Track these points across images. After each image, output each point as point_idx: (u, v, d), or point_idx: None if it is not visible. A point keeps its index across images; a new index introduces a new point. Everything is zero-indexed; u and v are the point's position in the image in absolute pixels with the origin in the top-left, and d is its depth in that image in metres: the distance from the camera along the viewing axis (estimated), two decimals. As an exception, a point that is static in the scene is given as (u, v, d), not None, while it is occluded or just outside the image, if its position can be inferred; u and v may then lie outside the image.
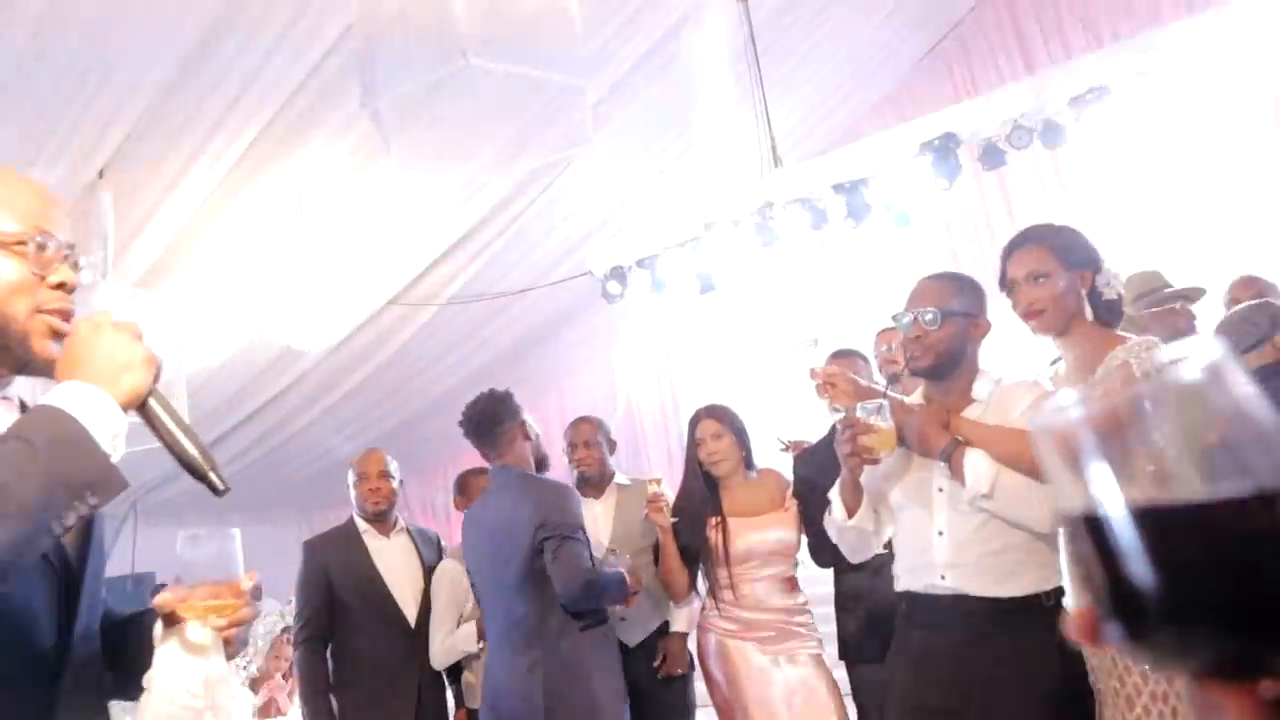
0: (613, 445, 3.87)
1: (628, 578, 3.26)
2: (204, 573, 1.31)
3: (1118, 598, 0.43)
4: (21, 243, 1.20)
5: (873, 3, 6.45)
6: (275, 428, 7.62)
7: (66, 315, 1.23)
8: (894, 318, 2.41)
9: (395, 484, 3.71)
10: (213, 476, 1.20)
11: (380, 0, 3.76)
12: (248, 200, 5.24)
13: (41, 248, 1.22)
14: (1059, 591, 2.20)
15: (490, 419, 3.33)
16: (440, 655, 3.57)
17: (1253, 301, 3.29)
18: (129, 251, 5.14)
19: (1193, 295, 3.61)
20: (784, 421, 4.41)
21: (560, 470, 3.84)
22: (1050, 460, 0.46)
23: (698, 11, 5.41)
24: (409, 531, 3.77)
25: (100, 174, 4.71)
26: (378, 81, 3.78)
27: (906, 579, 2.38)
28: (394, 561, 3.64)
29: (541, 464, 3.43)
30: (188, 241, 5.37)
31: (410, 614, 3.57)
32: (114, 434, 1.10)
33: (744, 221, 5.68)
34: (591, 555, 3.28)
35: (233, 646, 1.33)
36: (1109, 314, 2.27)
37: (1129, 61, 4.80)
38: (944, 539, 2.26)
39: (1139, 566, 0.42)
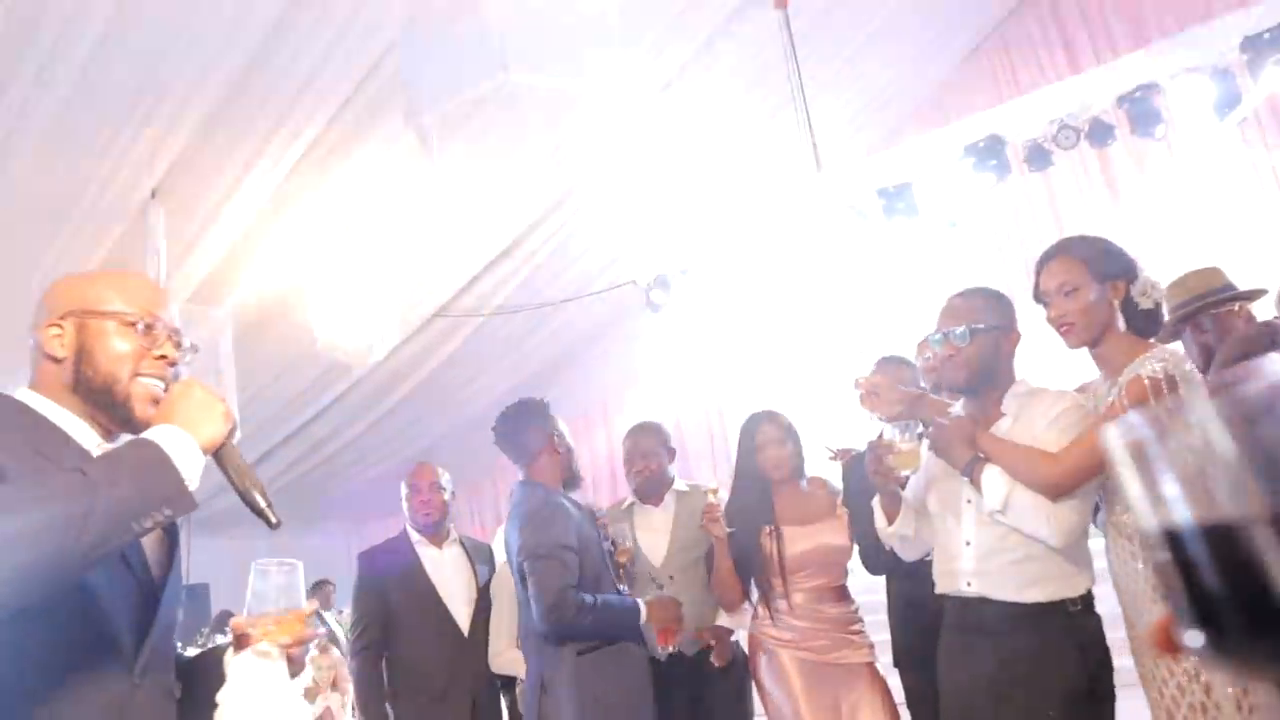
0: (672, 453, 3.82)
1: (643, 610, 3.11)
2: (272, 599, 1.54)
3: (1198, 609, 0.43)
4: (133, 323, 1.49)
5: (913, 4, 6.41)
6: (325, 440, 7.73)
7: (166, 382, 1.50)
8: (926, 338, 2.44)
9: (447, 496, 3.74)
10: (269, 514, 1.43)
11: (422, 19, 3.81)
12: (294, 217, 5.33)
13: (150, 327, 1.50)
14: (1086, 598, 2.26)
15: (516, 427, 3.23)
16: (499, 664, 3.59)
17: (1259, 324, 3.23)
18: (181, 268, 5.25)
19: (1253, 296, 3.52)
20: (830, 429, 4.38)
21: (618, 479, 3.82)
22: (1126, 475, 0.46)
23: (737, 19, 5.42)
24: (461, 542, 3.80)
25: (152, 194, 4.81)
26: (422, 98, 3.83)
27: (941, 584, 2.45)
28: (447, 572, 3.67)
29: (571, 482, 3.29)
30: (237, 258, 5.47)
31: (464, 624, 3.59)
32: (191, 466, 1.32)
33: (787, 227, 5.67)
34: (604, 571, 3.18)
35: (295, 665, 1.56)
36: (1146, 323, 2.28)
37: (1178, 57, 4.73)
38: (970, 548, 2.33)
39: (1219, 580, 0.42)
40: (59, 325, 1.47)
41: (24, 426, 1.39)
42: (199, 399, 1.39)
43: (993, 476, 2.24)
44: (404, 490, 3.74)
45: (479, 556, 3.80)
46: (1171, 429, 0.44)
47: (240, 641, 1.53)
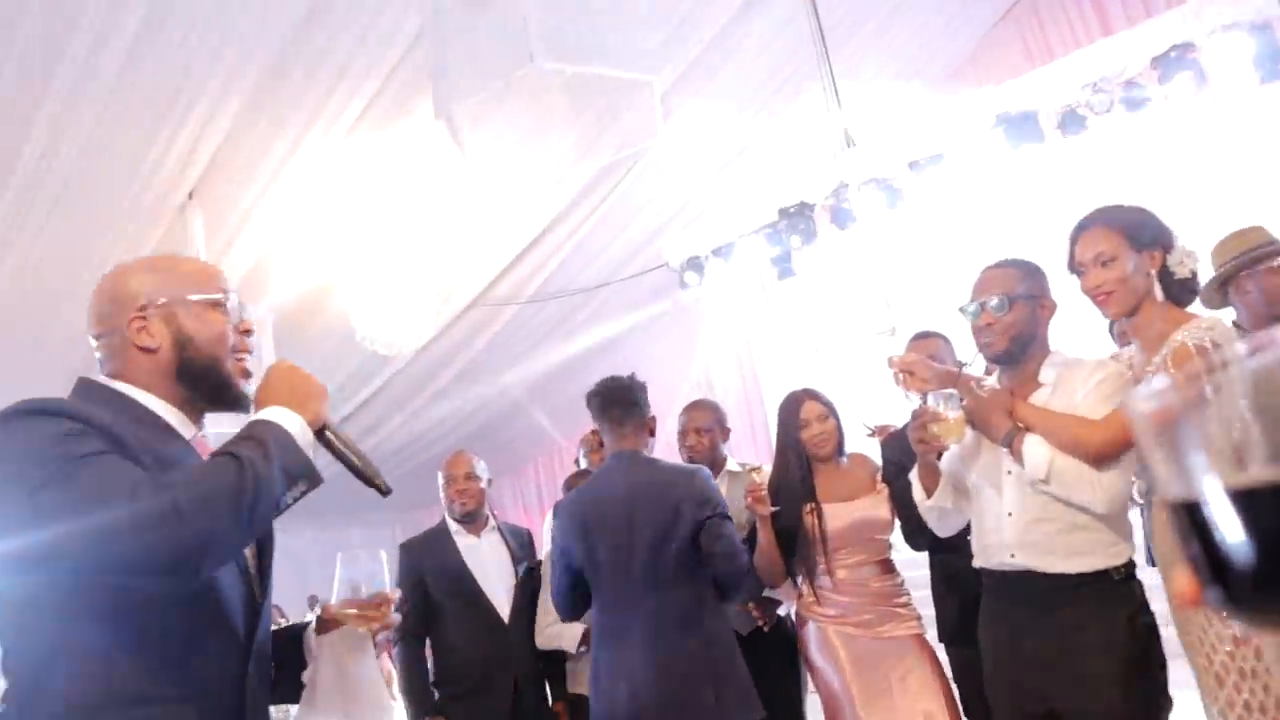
0: (726, 432, 3.82)
1: None
2: (360, 585, 1.62)
3: (1215, 568, 0.46)
4: (220, 303, 1.55)
5: (939, -27, 6.33)
6: (367, 431, 7.83)
7: (249, 353, 1.58)
8: (961, 309, 2.44)
9: (482, 484, 3.78)
10: (379, 481, 1.54)
11: (446, 11, 3.82)
12: (328, 213, 5.39)
13: (233, 305, 1.57)
14: (1130, 566, 2.26)
15: (632, 399, 3.20)
16: (544, 639, 3.63)
17: None
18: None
19: None
20: (867, 406, 4.36)
21: (670, 454, 3.81)
22: (1145, 443, 0.47)
23: (761, -4, 5.38)
24: (500, 530, 3.84)
25: (190, 195, 4.89)
26: (449, 89, 3.85)
27: (981, 557, 2.45)
28: (485, 559, 3.71)
29: None
30: (274, 255, 5.55)
31: (503, 610, 3.64)
32: (308, 444, 1.43)
33: (819, 205, 5.64)
34: None
35: (378, 648, 1.67)
36: (1181, 292, 2.26)
37: (1215, 14, 4.63)
38: (1013, 519, 2.32)
39: (1232, 541, 0.44)
40: (141, 317, 1.50)
41: (134, 416, 1.45)
42: (301, 380, 1.49)
43: (1034, 446, 2.23)
44: (440, 480, 3.78)
45: (517, 543, 3.84)
46: (1201, 394, 0.45)
47: (327, 625, 1.63)
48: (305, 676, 1.61)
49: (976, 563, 2.46)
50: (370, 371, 7.04)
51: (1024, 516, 2.30)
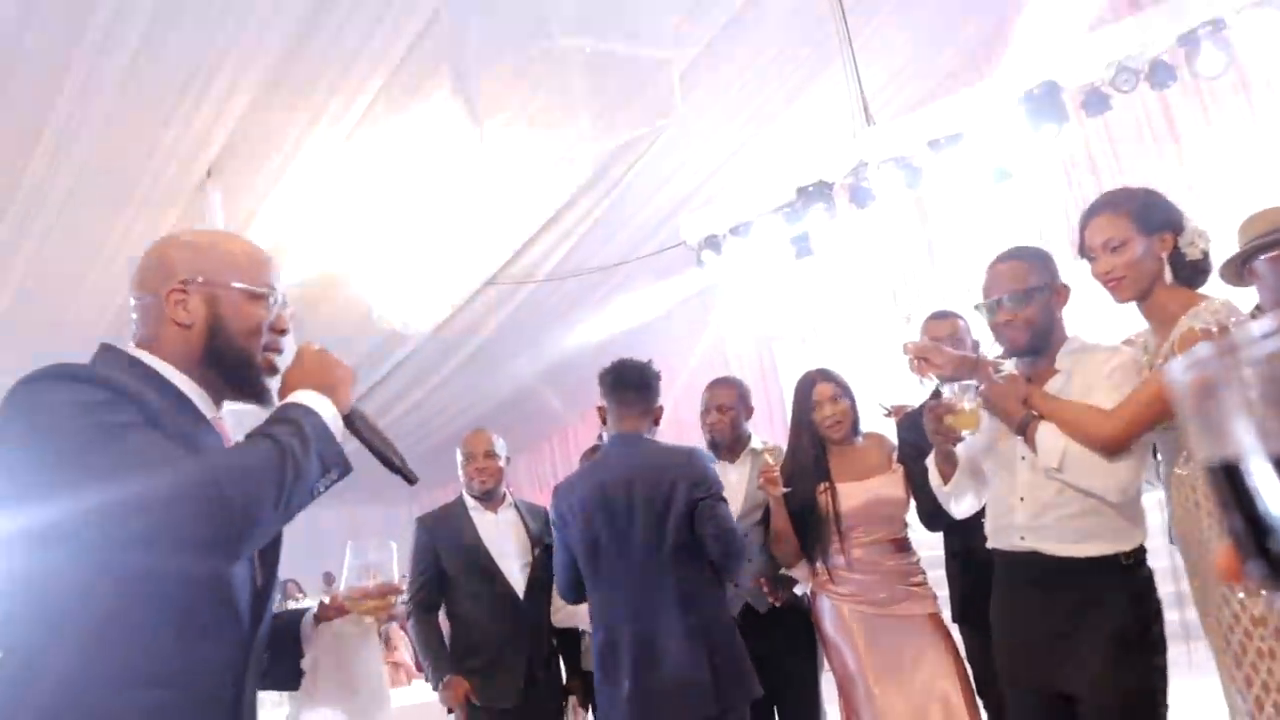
0: (749, 410, 3.81)
1: None
2: (368, 574, 1.64)
3: (1257, 539, 0.45)
4: (263, 297, 1.51)
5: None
6: (383, 410, 7.86)
7: (281, 352, 1.55)
8: (977, 308, 2.45)
9: (501, 462, 3.78)
10: (407, 470, 1.53)
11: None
12: (345, 191, 5.39)
13: (274, 302, 1.53)
14: (1140, 551, 2.27)
15: (643, 382, 3.19)
16: (560, 617, 3.65)
17: None
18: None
19: None
20: (885, 386, 4.34)
21: (694, 431, 3.80)
22: (1184, 412, 0.46)
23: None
24: (517, 506, 3.85)
25: (208, 173, 4.90)
26: (468, 65, 3.84)
27: (993, 538, 2.48)
28: (501, 536, 3.72)
29: None
30: (292, 233, 5.55)
31: (518, 586, 3.65)
32: (339, 431, 1.43)
33: (838, 183, 5.60)
34: None
35: (380, 638, 1.71)
36: (1193, 274, 2.25)
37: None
38: (1025, 503, 2.34)
39: (1276, 510, 0.44)
40: (182, 290, 1.46)
41: (158, 390, 1.41)
42: (331, 364, 1.48)
43: (1048, 434, 2.23)
44: (459, 457, 3.79)
45: (534, 519, 3.85)
46: (1239, 362, 0.44)
47: (328, 613, 1.65)
48: (305, 665, 1.62)
49: (989, 544, 2.49)
50: (387, 350, 7.06)
51: (1036, 501, 2.31)
